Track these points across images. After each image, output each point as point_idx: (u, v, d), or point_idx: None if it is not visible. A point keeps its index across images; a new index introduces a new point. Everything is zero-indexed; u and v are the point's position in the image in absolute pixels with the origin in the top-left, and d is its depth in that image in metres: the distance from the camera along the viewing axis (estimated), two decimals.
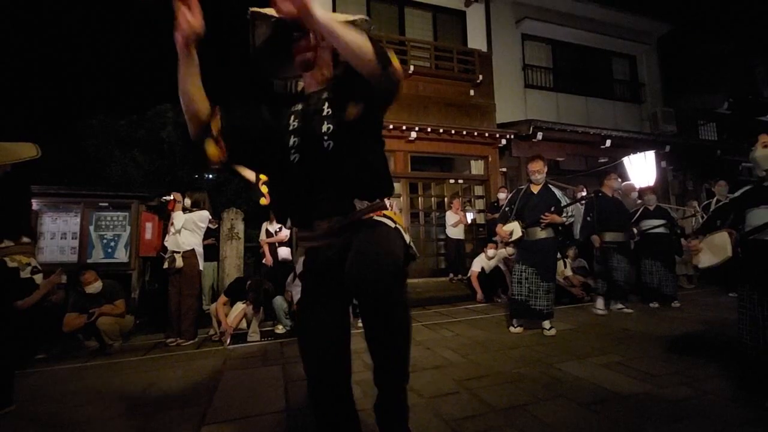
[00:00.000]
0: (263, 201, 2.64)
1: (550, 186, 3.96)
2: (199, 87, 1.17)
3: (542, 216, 3.77)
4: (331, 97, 1.25)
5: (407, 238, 1.29)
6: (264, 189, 2.59)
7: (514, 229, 3.93)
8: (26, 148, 2.58)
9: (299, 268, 1.35)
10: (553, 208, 3.79)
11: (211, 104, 1.21)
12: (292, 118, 1.27)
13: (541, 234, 3.87)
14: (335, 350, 1.24)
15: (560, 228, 3.97)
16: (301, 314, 1.34)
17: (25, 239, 2.65)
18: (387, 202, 1.34)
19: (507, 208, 4.10)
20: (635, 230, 5.15)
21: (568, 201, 3.91)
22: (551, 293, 3.87)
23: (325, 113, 1.22)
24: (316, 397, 1.26)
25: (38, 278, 2.70)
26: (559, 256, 5.74)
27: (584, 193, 6.17)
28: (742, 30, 13.52)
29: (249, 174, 2.75)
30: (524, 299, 3.87)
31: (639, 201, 6.15)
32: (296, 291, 1.19)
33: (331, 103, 1.24)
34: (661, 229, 5.18)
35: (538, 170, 3.93)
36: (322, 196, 1.21)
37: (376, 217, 1.24)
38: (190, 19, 1.03)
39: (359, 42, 1.06)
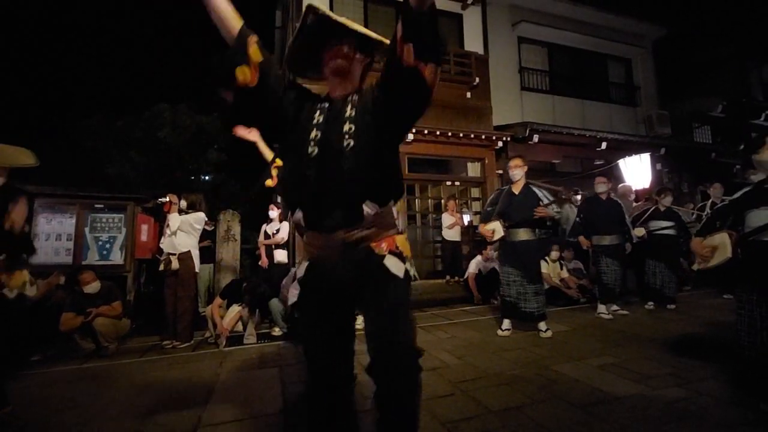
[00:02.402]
0: (269, 182, 2.71)
1: (531, 186, 3.97)
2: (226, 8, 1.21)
3: (535, 211, 3.76)
4: (356, 101, 1.30)
5: (412, 271, 1.34)
6: (274, 172, 2.66)
7: (495, 228, 3.94)
8: (24, 154, 2.57)
9: (300, 272, 1.37)
10: (541, 204, 3.79)
11: (245, 28, 1.21)
12: (318, 113, 1.32)
13: (523, 235, 3.88)
14: (339, 355, 1.30)
15: (549, 223, 3.91)
16: (303, 320, 1.40)
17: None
18: (394, 210, 1.35)
19: (489, 208, 4.13)
20: (643, 229, 5.15)
21: (550, 200, 3.90)
22: (540, 295, 3.87)
23: (347, 114, 1.27)
24: (317, 401, 1.31)
25: (31, 291, 2.69)
26: (556, 257, 5.77)
27: (578, 197, 6.20)
28: (737, 34, 13.66)
29: (267, 153, 2.84)
30: (514, 301, 3.89)
31: (636, 204, 6.18)
32: (293, 294, 1.19)
33: (354, 106, 1.28)
34: (668, 231, 5.15)
35: (516, 165, 3.96)
36: (333, 193, 1.24)
37: (388, 259, 1.26)
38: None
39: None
